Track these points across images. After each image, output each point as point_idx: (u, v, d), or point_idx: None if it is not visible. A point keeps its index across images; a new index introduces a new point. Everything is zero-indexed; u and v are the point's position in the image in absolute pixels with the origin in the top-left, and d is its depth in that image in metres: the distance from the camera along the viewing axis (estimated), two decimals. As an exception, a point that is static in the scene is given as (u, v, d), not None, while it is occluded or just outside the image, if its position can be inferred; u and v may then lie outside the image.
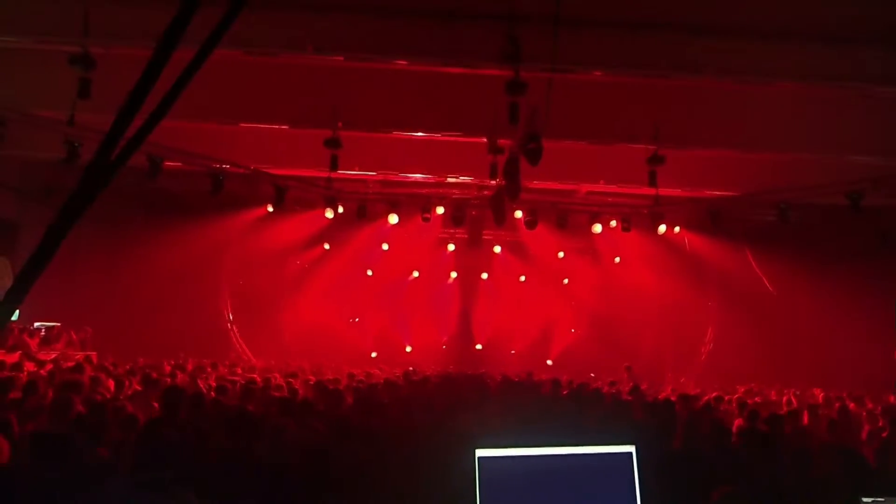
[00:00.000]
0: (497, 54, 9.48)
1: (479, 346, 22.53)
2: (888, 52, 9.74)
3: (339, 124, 12.21)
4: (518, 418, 6.67)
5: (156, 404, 7.25)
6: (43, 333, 15.28)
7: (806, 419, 8.84)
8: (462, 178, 15.74)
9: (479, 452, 2.50)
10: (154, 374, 10.07)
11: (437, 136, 12.97)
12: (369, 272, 21.67)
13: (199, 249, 17.74)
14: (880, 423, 8.41)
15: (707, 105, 11.85)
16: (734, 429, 6.90)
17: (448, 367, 18.66)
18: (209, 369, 12.56)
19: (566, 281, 22.18)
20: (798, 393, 12.28)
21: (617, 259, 20.27)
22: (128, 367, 11.69)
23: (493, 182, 13.29)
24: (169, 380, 9.71)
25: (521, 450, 2.52)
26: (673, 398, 10.10)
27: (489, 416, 6.57)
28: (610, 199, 16.96)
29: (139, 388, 8.88)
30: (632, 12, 9.54)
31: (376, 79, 11.26)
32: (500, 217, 14.37)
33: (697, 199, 15.97)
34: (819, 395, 12.45)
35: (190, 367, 12.73)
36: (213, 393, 8.42)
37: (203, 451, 5.18)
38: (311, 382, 10.42)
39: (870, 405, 10.79)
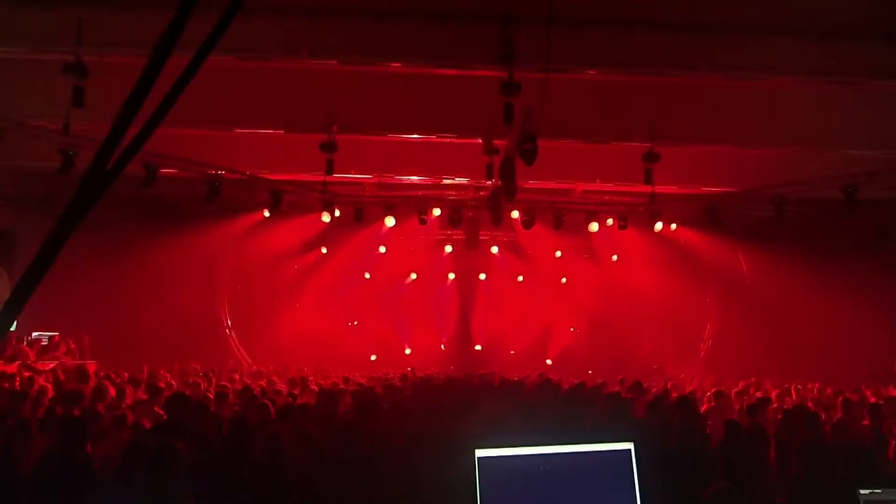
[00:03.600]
0: (491, 55, 9.50)
1: (478, 347, 22.53)
2: (883, 46, 9.77)
3: (335, 128, 12.21)
4: (517, 418, 6.68)
5: (158, 411, 7.26)
6: (45, 343, 15.27)
7: (807, 413, 8.84)
8: (458, 180, 15.75)
9: (479, 453, 2.50)
10: (154, 382, 10.07)
11: (433, 137, 12.97)
12: (367, 275, 21.67)
13: (196, 256, 17.74)
14: (879, 416, 8.42)
15: (702, 102, 11.86)
16: (733, 424, 6.90)
17: (447, 368, 18.66)
18: (209, 376, 12.54)
19: (564, 280, 22.20)
20: (799, 387, 12.30)
21: (614, 257, 20.30)
22: (127, 375, 11.69)
23: (490, 183, 13.31)
24: (168, 387, 9.70)
25: (520, 449, 2.53)
26: (672, 394, 10.13)
27: (488, 417, 6.58)
28: (606, 198, 16.96)
29: (140, 396, 8.88)
30: (625, 11, 9.55)
31: (371, 82, 11.26)
32: (497, 217, 14.39)
33: (694, 196, 15.99)
34: (818, 389, 12.47)
35: (189, 373, 12.73)
36: (212, 400, 8.42)
37: (203, 456, 5.19)
38: (311, 387, 10.43)
39: (869, 398, 10.81)
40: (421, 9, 9.72)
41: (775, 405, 9.97)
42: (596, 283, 21.39)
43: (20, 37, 9.72)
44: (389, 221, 17.05)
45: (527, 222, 16.58)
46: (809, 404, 9.83)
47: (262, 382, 11.63)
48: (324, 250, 20.15)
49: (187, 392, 8.89)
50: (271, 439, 5.54)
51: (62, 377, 11.12)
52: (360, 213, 16.89)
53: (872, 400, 10.56)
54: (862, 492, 2.80)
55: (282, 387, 10.74)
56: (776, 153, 13.71)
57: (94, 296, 17.19)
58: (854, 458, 4.59)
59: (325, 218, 16.10)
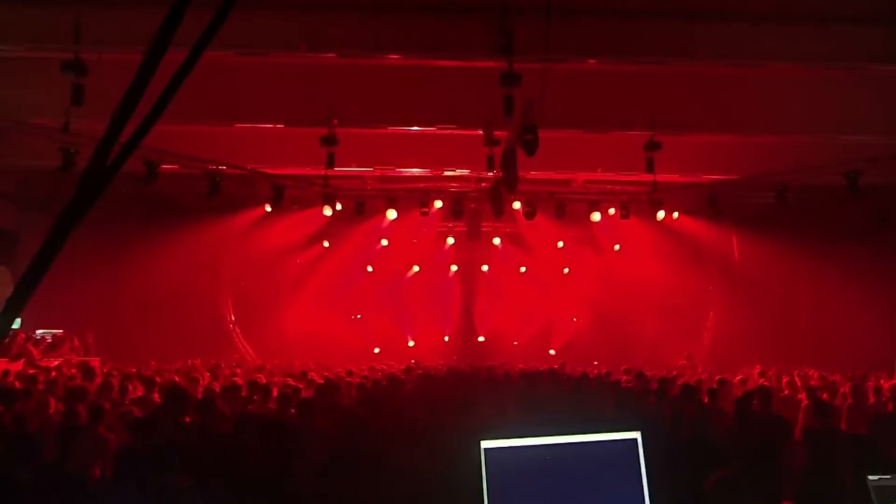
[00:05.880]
0: (490, 46, 9.48)
1: (481, 339, 22.55)
2: (883, 30, 9.72)
3: (335, 121, 12.19)
4: (523, 409, 6.68)
5: (161, 408, 7.26)
6: (50, 340, 15.31)
7: (808, 400, 8.85)
8: (459, 172, 15.73)
9: (485, 444, 2.50)
10: (158, 378, 10.09)
11: (433, 129, 12.94)
12: (369, 268, 21.67)
13: (198, 252, 17.76)
14: (883, 401, 8.43)
15: (702, 89, 11.83)
16: (739, 412, 6.91)
17: (451, 360, 18.69)
18: (213, 370, 12.56)
19: (566, 270, 22.18)
20: (801, 374, 12.29)
21: (617, 247, 20.28)
22: (133, 371, 11.71)
23: (491, 174, 13.28)
24: (170, 382, 9.71)
25: (526, 440, 2.52)
26: (676, 383, 10.12)
27: (494, 408, 6.59)
28: (608, 187, 16.93)
29: (144, 392, 8.90)
30: (623, 0, 9.52)
31: (370, 75, 11.24)
32: (499, 209, 14.35)
33: (695, 185, 15.96)
34: (820, 375, 12.46)
35: (194, 369, 12.73)
36: (217, 394, 8.43)
37: (208, 451, 5.20)
38: (316, 380, 10.43)
39: (872, 383, 10.80)
40: (419, 1, 9.69)
41: (780, 393, 9.97)
42: (598, 273, 21.38)
43: (18, 35, 9.70)
44: (391, 214, 17.06)
45: (528, 213, 16.57)
46: (817, 391, 9.81)
47: (265, 377, 11.64)
48: (326, 244, 20.16)
49: (188, 387, 8.91)
50: (276, 433, 5.55)
51: (66, 374, 11.13)
52: (362, 206, 16.90)
53: (872, 384, 10.57)
54: (871, 478, 2.80)
55: (286, 381, 10.74)
56: (777, 140, 13.67)
57: (98, 293, 17.23)
58: (862, 445, 4.59)
59: (327, 212, 16.10)
